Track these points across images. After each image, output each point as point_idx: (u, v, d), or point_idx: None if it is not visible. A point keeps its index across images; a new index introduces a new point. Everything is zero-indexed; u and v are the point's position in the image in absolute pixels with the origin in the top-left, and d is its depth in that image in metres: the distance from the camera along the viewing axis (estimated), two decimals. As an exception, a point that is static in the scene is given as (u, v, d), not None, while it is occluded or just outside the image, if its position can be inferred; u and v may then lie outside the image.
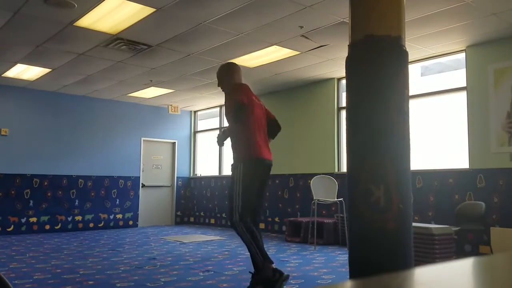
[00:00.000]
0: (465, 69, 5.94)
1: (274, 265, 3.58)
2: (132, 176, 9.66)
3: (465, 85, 5.93)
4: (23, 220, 8.19)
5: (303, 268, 4.84)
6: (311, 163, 7.82)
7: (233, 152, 3.68)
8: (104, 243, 6.94)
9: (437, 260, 4.43)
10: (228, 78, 3.78)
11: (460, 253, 5.50)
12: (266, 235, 8.08)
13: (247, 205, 3.55)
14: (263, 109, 3.88)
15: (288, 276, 3.60)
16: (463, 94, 5.96)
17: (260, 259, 3.51)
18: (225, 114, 3.66)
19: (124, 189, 9.51)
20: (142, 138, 9.90)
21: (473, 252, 5.62)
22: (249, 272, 3.76)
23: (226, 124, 3.71)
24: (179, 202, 10.42)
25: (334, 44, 5.82)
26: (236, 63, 3.90)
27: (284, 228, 8.09)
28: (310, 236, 6.76)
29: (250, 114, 3.62)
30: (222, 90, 3.83)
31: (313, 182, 6.65)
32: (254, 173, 3.60)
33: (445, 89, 6.30)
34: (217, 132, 10.08)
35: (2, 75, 7.43)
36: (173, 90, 8.56)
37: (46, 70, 7.15)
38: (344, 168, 7.36)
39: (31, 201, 8.31)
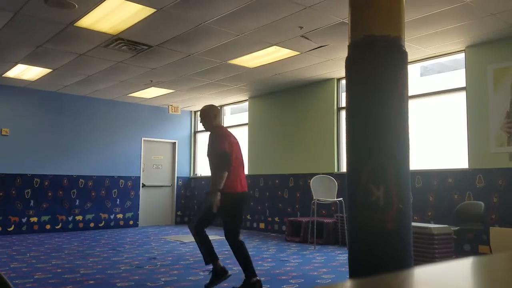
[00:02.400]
0: (464, 69, 5.95)
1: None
2: (133, 176, 9.67)
3: (464, 85, 5.94)
4: (24, 220, 8.20)
5: (303, 268, 4.85)
6: (311, 163, 7.83)
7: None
8: (105, 242, 6.95)
9: (437, 259, 4.44)
10: (210, 119, 4.00)
11: (459, 253, 5.51)
12: (266, 235, 8.09)
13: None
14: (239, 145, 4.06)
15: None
16: (463, 94, 5.97)
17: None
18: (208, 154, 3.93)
19: (124, 189, 9.51)
20: (143, 138, 9.91)
21: (473, 251, 5.63)
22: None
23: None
24: (179, 202, 10.42)
25: (334, 44, 5.82)
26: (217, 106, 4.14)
27: (284, 228, 8.10)
28: (310, 236, 6.77)
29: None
30: (206, 129, 4.06)
31: (313, 182, 6.66)
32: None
33: (444, 89, 6.30)
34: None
35: (3, 75, 7.44)
36: (173, 90, 8.57)
37: (47, 71, 7.15)
38: (344, 168, 7.37)
39: (32, 201, 8.31)
